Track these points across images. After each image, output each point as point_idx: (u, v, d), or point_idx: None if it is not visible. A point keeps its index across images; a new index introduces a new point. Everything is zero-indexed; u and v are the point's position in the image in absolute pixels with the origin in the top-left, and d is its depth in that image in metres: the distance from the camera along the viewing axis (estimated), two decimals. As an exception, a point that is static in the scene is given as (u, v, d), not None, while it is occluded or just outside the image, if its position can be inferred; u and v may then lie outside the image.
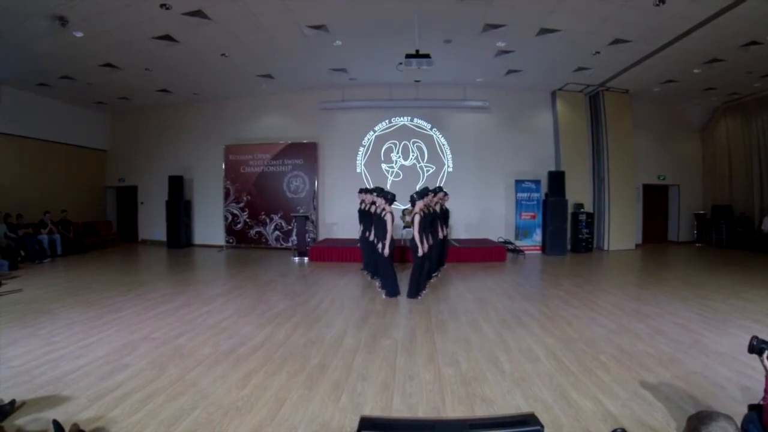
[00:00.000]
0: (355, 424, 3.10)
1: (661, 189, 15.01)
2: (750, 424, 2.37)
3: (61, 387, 3.73)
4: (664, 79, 11.73)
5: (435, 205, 8.40)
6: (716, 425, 1.60)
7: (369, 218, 8.52)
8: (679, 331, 5.31)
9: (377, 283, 8.05)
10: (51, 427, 2.84)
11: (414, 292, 7.32)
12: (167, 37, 8.94)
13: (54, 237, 11.65)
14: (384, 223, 7.49)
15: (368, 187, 11.62)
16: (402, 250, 10.23)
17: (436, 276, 8.97)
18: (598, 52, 9.96)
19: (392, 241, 7.54)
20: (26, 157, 12.71)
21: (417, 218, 7.24)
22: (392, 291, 7.42)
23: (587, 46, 9.63)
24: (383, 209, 7.66)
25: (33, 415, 3.24)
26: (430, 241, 7.71)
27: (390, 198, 7.75)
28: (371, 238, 8.20)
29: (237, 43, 9.49)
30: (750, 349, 2.66)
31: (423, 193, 7.82)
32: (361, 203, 9.13)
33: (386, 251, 7.44)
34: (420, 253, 7.27)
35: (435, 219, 8.26)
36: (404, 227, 11.94)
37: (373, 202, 8.28)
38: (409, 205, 12.57)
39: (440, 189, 8.91)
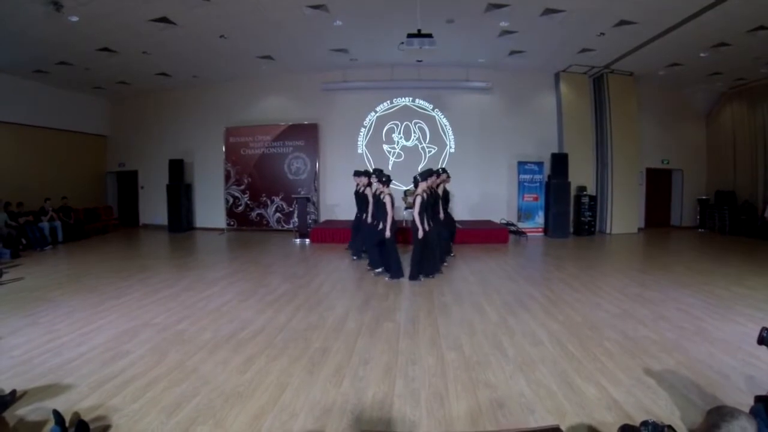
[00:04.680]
0: (358, 410, 3.11)
1: (664, 173, 14.85)
2: (757, 417, 2.32)
3: (62, 375, 3.71)
4: (669, 62, 11.53)
5: (437, 187, 8.35)
6: (737, 424, 1.54)
7: (364, 201, 8.51)
8: (682, 317, 5.27)
9: (367, 264, 8.13)
10: (52, 416, 2.82)
11: (415, 274, 7.32)
12: (164, 20, 8.78)
13: (55, 224, 11.57)
14: (384, 205, 7.46)
15: (370, 168, 11.59)
16: (404, 232, 10.23)
17: (452, 256, 9.06)
18: (603, 34, 9.77)
19: (394, 222, 7.50)
20: (25, 144, 12.62)
21: (418, 200, 7.17)
22: (396, 273, 7.43)
23: (592, 27, 9.44)
24: (381, 191, 7.63)
25: (34, 404, 3.22)
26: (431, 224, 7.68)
27: (386, 180, 7.72)
28: (369, 220, 8.21)
29: (236, 25, 9.32)
30: (760, 340, 2.62)
31: (426, 174, 7.75)
32: (357, 186, 9.13)
33: (387, 233, 7.41)
34: (420, 234, 7.22)
35: (437, 201, 8.22)
36: (405, 208, 11.93)
37: (369, 185, 8.25)
38: (411, 186, 12.60)
39: (443, 170, 8.83)
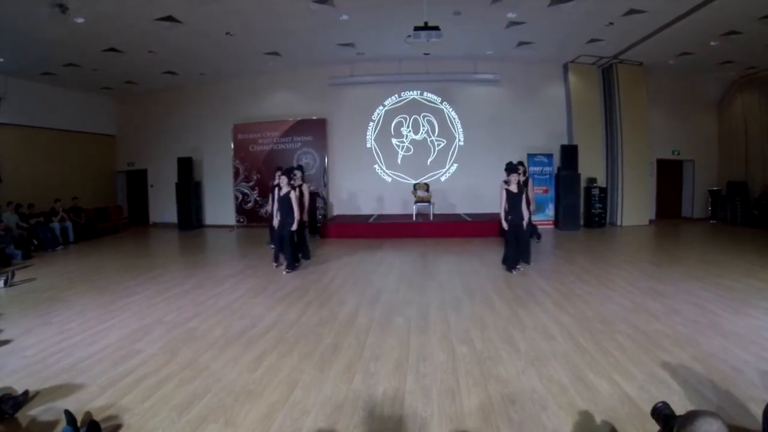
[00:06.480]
0: (369, 406, 3.10)
1: (675, 164, 14.65)
2: None
3: (74, 375, 3.73)
4: (679, 51, 11.36)
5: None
6: (703, 420, 1.71)
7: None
8: (695, 310, 5.18)
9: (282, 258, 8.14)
10: (63, 416, 2.84)
11: (510, 264, 7.49)
12: (170, 18, 8.80)
13: (66, 224, 11.64)
14: (288, 200, 7.71)
15: (380, 161, 11.53)
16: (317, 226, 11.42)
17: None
18: (612, 23, 9.66)
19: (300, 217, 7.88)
20: (35, 146, 12.74)
21: (504, 194, 7.35)
22: (291, 265, 7.73)
23: (601, 17, 9.33)
24: (288, 189, 7.89)
25: (46, 404, 3.23)
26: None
27: (293, 176, 8.02)
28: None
29: (242, 21, 9.33)
30: None
31: (516, 165, 7.76)
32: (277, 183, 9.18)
33: (295, 225, 7.67)
34: (505, 226, 7.38)
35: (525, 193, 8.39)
36: (416, 202, 11.91)
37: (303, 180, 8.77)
38: (420, 180, 12.65)
39: (521, 163, 8.75)
